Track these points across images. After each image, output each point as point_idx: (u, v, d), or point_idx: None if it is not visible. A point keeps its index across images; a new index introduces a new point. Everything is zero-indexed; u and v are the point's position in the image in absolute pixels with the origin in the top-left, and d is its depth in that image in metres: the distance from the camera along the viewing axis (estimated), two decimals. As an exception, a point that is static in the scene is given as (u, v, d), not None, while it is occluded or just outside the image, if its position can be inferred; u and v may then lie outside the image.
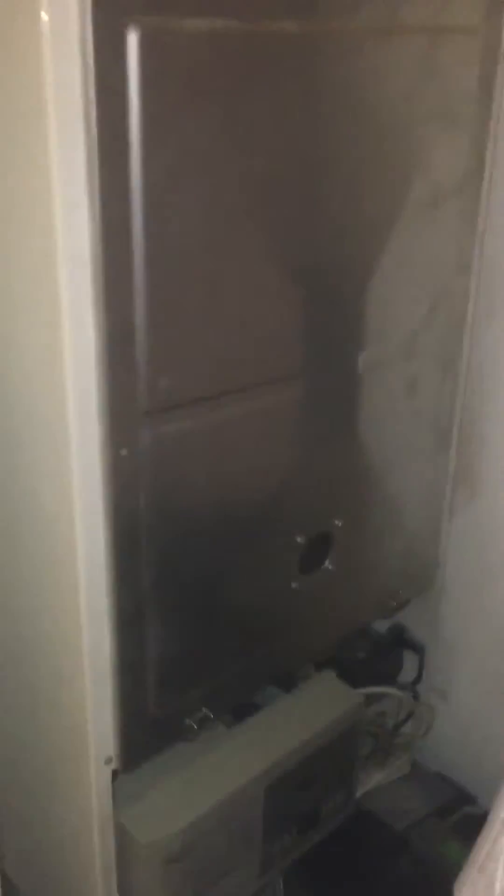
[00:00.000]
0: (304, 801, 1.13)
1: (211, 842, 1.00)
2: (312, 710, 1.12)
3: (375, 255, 0.94)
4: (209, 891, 1.03)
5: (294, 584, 1.01)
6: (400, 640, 1.32)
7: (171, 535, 0.85)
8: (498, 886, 0.69)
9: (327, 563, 1.04)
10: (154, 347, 0.76)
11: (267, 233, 0.82)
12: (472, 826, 1.36)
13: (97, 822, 0.90)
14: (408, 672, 1.35)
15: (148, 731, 0.91)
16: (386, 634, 1.31)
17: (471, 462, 1.26)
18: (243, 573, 0.94)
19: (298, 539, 0.99)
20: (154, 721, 0.91)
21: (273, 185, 0.81)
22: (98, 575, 0.81)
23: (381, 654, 1.28)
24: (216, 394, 0.84)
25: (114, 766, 0.89)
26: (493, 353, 1.19)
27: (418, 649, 1.33)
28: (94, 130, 0.66)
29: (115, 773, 0.90)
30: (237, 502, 0.91)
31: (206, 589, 0.91)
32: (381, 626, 1.34)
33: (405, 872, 1.25)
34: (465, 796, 1.37)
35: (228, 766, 1.02)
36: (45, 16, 0.62)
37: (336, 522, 1.03)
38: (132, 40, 0.66)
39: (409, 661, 1.35)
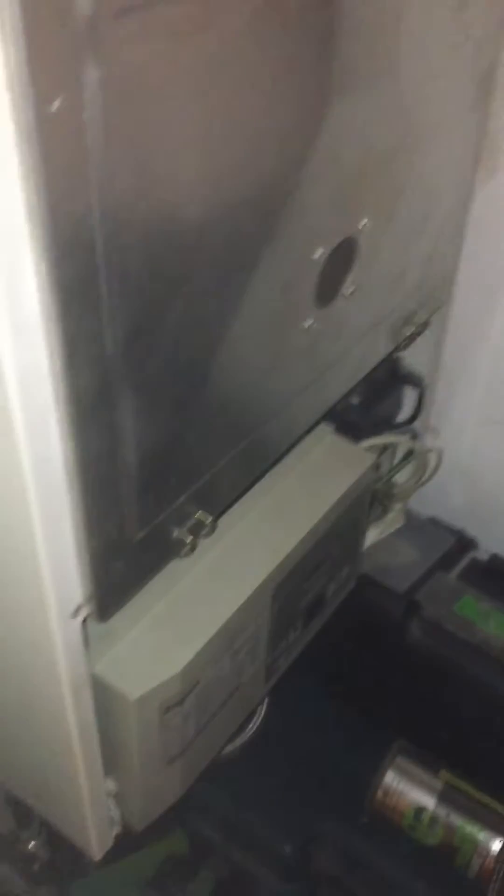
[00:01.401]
0: (313, 589, 0.89)
1: (214, 672, 0.75)
2: (319, 479, 0.85)
3: None
4: (212, 721, 0.80)
5: (307, 323, 0.68)
6: (396, 375, 1.04)
7: (148, 264, 0.50)
8: None
9: (347, 286, 0.71)
10: None
11: None
12: (480, 573, 1.20)
13: (69, 690, 0.63)
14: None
15: (129, 559, 0.61)
16: (380, 371, 1.02)
17: (494, 127, 0.92)
18: (246, 315, 0.60)
19: (317, 254, 0.65)
20: (135, 544, 0.61)
21: None
22: (32, 341, 0.46)
23: (379, 395, 1.00)
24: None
25: (85, 614, 0.60)
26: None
27: (417, 383, 1.05)
28: None
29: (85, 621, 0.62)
30: (238, 202, 0.55)
31: (197, 348, 0.58)
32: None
33: (417, 638, 1.07)
34: (466, 541, 1.18)
35: (229, 575, 0.75)
36: None
37: (362, 222, 0.68)
38: None
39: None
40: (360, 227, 0.68)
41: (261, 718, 1.03)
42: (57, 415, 0.50)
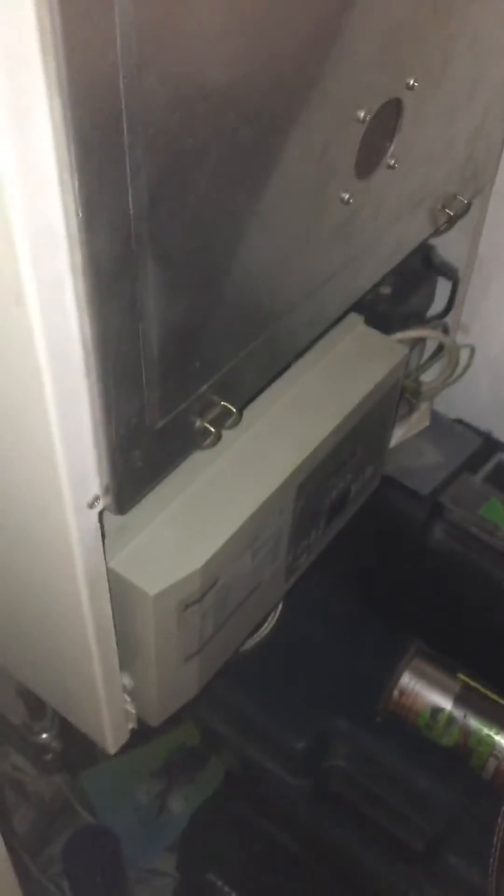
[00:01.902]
0: (336, 487, 0.85)
1: (234, 569, 0.72)
2: (348, 371, 0.80)
3: None
4: (231, 619, 0.78)
5: (346, 195, 0.62)
6: (430, 265, 0.98)
7: (177, 113, 0.44)
8: None
9: (389, 156, 0.65)
10: None
11: None
12: (506, 476, 1.15)
13: (85, 584, 0.60)
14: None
15: (148, 448, 0.57)
16: (414, 261, 0.95)
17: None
18: (282, 180, 0.55)
19: (361, 113, 0.58)
20: (156, 432, 0.57)
21: None
22: (47, 196, 0.41)
23: (411, 285, 0.94)
24: None
25: (102, 506, 0.57)
26: None
27: (451, 275, 0.99)
28: None
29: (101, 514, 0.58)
30: (277, 48, 0.48)
31: (227, 213, 0.52)
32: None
33: (440, 541, 1.04)
34: (493, 443, 1.13)
35: (253, 469, 0.71)
36: None
37: (410, 81, 0.62)
38: None
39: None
40: (407, 85, 0.61)
41: (277, 616, 1.02)
42: (74, 284, 0.45)
